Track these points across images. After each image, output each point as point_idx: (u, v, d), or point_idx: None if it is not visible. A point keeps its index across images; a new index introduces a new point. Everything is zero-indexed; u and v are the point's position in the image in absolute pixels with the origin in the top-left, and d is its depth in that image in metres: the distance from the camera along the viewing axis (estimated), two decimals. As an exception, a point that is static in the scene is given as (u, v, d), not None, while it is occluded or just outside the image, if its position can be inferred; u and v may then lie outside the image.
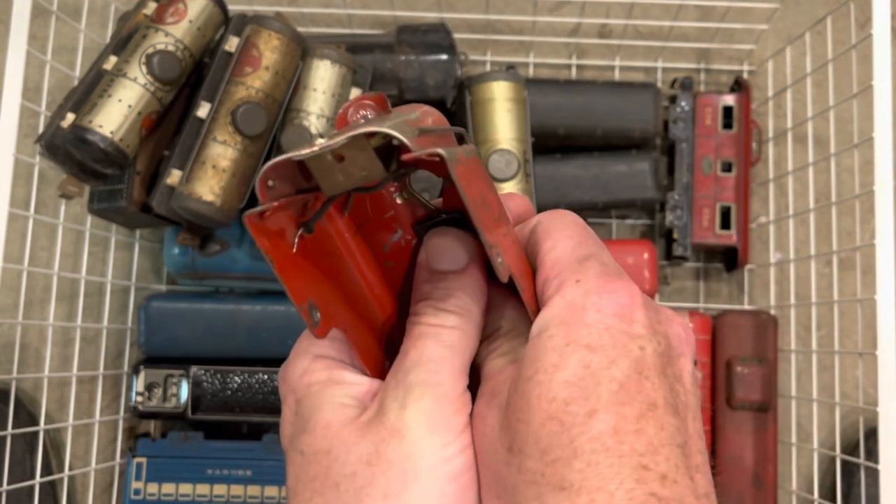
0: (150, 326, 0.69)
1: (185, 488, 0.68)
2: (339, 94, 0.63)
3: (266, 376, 0.68)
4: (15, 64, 0.58)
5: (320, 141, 0.24)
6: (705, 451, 0.25)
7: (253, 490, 0.68)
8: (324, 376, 0.27)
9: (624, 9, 0.78)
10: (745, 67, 0.79)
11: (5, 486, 0.61)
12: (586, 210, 0.73)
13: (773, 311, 0.73)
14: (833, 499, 0.65)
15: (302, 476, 0.26)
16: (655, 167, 0.72)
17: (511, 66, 0.73)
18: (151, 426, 0.74)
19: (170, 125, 0.63)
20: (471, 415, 0.26)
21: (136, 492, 0.68)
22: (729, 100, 0.74)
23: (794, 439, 0.69)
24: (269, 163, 0.24)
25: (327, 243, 0.28)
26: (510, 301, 0.28)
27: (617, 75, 0.80)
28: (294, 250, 0.25)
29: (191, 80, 0.63)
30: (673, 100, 0.75)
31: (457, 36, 0.72)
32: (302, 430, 0.27)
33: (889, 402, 0.54)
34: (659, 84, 0.77)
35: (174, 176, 0.59)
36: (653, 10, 0.78)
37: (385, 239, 0.29)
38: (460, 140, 0.27)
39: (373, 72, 0.67)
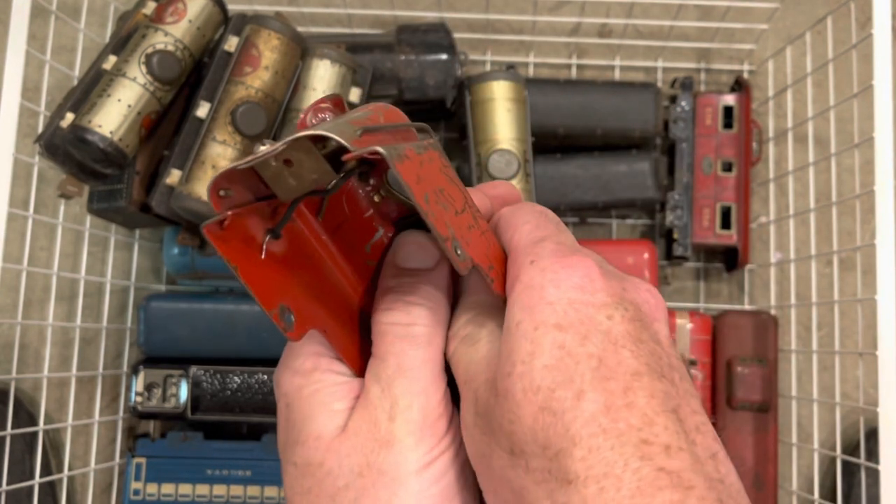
0: (149, 326, 0.69)
1: (185, 488, 0.68)
2: (338, 93, 0.63)
3: (266, 376, 0.68)
4: (14, 64, 0.58)
5: (262, 148, 0.24)
6: (701, 409, 0.24)
7: (252, 490, 0.68)
8: (313, 378, 0.27)
9: (624, 8, 0.77)
10: (746, 67, 0.79)
11: (5, 486, 0.61)
12: (586, 210, 0.73)
13: (773, 312, 0.73)
14: (833, 499, 0.65)
15: (297, 487, 0.27)
16: (655, 167, 0.72)
17: (511, 66, 0.73)
18: (151, 426, 0.74)
19: (169, 125, 0.63)
20: (456, 420, 0.27)
21: (136, 492, 0.68)
22: (729, 99, 0.74)
23: (794, 439, 0.68)
24: (217, 173, 0.24)
25: (303, 246, 0.27)
26: (474, 290, 0.28)
27: (617, 75, 0.80)
28: (262, 256, 0.25)
29: (190, 80, 0.63)
30: (673, 100, 0.75)
31: (457, 36, 0.72)
32: (294, 440, 0.27)
33: (889, 403, 0.54)
34: (659, 84, 0.77)
35: (174, 176, 0.59)
36: (653, 10, 0.78)
37: (366, 238, 0.29)
38: (424, 134, 0.27)
39: (373, 72, 0.67)
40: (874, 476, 0.55)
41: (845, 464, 0.67)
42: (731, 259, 0.75)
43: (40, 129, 0.63)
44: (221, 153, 0.58)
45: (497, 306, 0.27)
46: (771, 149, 0.76)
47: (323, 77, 0.63)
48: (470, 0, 0.80)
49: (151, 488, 0.68)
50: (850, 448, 0.71)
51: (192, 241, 0.64)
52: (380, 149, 0.22)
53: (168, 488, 0.68)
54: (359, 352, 0.28)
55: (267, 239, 0.26)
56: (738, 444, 0.69)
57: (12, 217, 0.57)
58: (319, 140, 0.25)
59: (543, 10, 0.80)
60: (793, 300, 0.72)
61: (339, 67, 0.63)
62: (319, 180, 0.25)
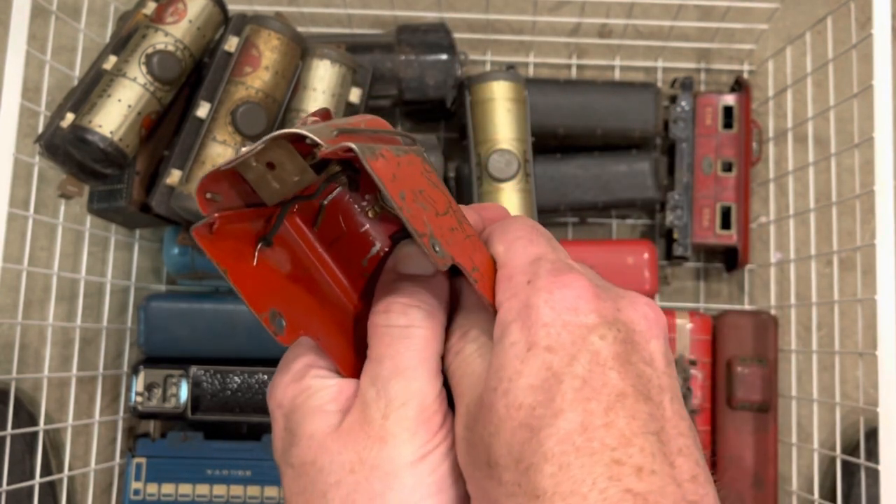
0: (149, 326, 0.69)
1: (185, 488, 0.68)
2: (338, 93, 0.63)
3: (266, 376, 0.68)
4: (14, 64, 0.58)
5: (243, 149, 0.24)
6: (689, 431, 0.24)
7: (252, 490, 0.68)
8: (305, 385, 0.28)
9: (624, 9, 0.77)
10: (746, 67, 0.79)
11: (5, 486, 0.61)
12: (586, 210, 0.73)
13: (773, 312, 0.73)
14: (833, 499, 0.65)
15: (294, 488, 0.27)
16: (655, 167, 0.72)
17: (511, 66, 0.73)
18: (151, 426, 0.74)
19: (169, 125, 0.63)
20: (451, 416, 0.27)
21: (136, 492, 0.68)
22: (729, 100, 0.74)
23: (794, 439, 0.68)
24: (203, 176, 0.24)
25: (298, 257, 0.28)
26: (470, 306, 0.29)
27: (617, 75, 0.80)
28: (255, 263, 0.26)
29: (190, 80, 0.63)
30: (673, 100, 0.75)
31: (457, 36, 0.72)
32: (290, 443, 0.27)
33: (889, 403, 0.54)
34: (659, 84, 0.77)
35: (174, 176, 0.59)
36: (653, 10, 0.78)
37: (363, 252, 0.30)
38: (408, 142, 0.28)
39: (373, 72, 0.67)
40: (874, 476, 0.55)
41: (845, 464, 0.67)
42: (731, 259, 0.75)
43: (40, 129, 0.63)
44: (221, 153, 0.59)
45: (490, 321, 0.27)
46: (771, 149, 0.76)
47: (323, 77, 0.63)
48: (470, 0, 0.80)
49: (151, 488, 0.68)
50: (850, 448, 0.71)
51: (192, 242, 0.64)
52: (352, 144, 0.23)
53: (168, 488, 0.68)
54: (353, 358, 0.28)
55: (259, 246, 0.26)
56: (738, 444, 0.69)
57: (12, 217, 0.57)
58: (303, 146, 0.25)
59: (543, 11, 0.80)
60: (793, 300, 0.72)
61: (339, 67, 0.63)
62: (301, 182, 0.26)
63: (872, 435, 0.63)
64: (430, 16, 0.78)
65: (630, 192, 0.72)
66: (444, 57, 0.70)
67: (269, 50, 0.61)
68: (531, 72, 0.80)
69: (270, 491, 0.68)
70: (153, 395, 0.68)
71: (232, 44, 0.62)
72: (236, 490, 0.68)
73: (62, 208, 0.66)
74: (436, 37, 0.71)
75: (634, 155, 0.72)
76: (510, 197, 0.64)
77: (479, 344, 0.27)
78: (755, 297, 0.76)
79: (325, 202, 0.29)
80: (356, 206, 0.29)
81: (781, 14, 0.77)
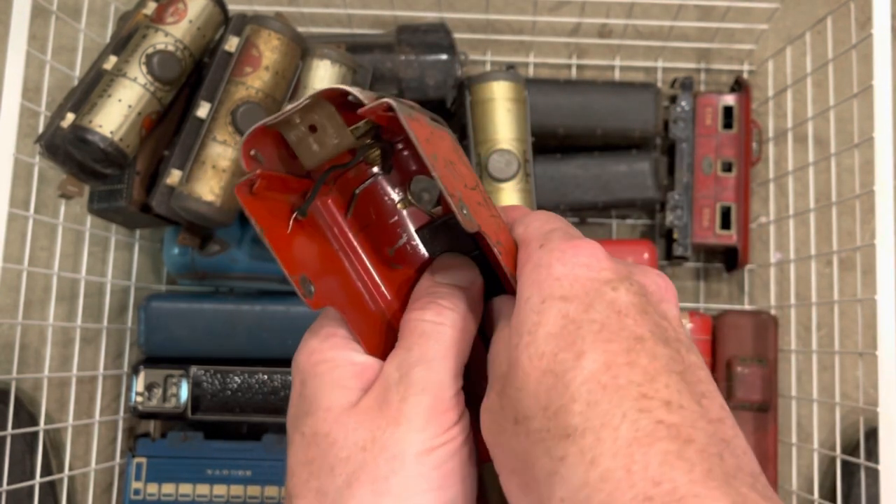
0: (149, 326, 0.69)
1: (185, 488, 0.68)
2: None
3: (266, 376, 0.68)
4: (15, 64, 0.58)
5: (288, 106, 0.25)
6: (709, 380, 0.24)
7: (253, 490, 0.68)
8: (329, 356, 0.28)
9: (624, 9, 0.77)
10: (746, 67, 0.79)
11: (5, 486, 0.61)
12: (586, 210, 0.73)
13: (773, 312, 0.73)
14: (833, 499, 0.65)
15: (300, 456, 0.27)
16: (655, 167, 0.72)
17: (511, 66, 0.73)
18: (151, 426, 0.74)
19: (170, 125, 0.63)
20: (466, 419, 0.28)
21: (136, 492, 0.68)
22: (729, 100, 0.74)
23: (794, 439, 0.68)
24: (247, 131, 0.25)
25: (329, 238, 0.29)
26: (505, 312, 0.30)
27: (617, 75, 0.80)
28: (289, 231, 0.27)
29: (191, 80, 0.63)
30: (673, 100, 0.75)
31: (457, 36, 0.72)
32: (305, 412, 0.28)
33: (889, 403, 0.54)
34: (659, 84, 0.77)
35: (174, 176, 0.59)
36: (653, 10, 0.78)
37: (390, 242, 0.31)
38: (440, 124, 0.29)
39: (373, 72, 0.67)
40: (874, 476, 0.55)
41: (845, 464, 0.67)
42: (730, 259, 0.75)
43: (41, 129, 0.63)
44: (222, 153, 0.59)
45: None
46: (771, 149, 0.76)
47: (323, 77, 0.63)
48: (470, 0, 0.80)
49: (152, 488, 0.68)
50: (850, 448, 0.71)
51: (192, 241, 0.64)
52: (391, 101, 0.23)
53: (168, 488, 0.68)
54: (377, 342, 0.29)
55: (294, 215, 0.27)
56: (738, 443, 0.69)
57: (13, 217, 0.57)
58: (344, 113, 0.26)
59: (543, 11, 0.80)
60: (793, 300, 0.72)
61: (339, 67, 0.63)
62: (340, 146, 0.27)
63: (872, 435, 0.63)
64: (430, 16, 0.78)
65: (630, 192, 0.72)
66: (444, 57, 0.70)
67: (269, 50, 0.61)
68: (531, 72, 0.80)
69: (271, 491, 0.68)
70: (153, 395, 0.68)
71: (232, 44, 0.62)
72: (236, 490, 0.68)
73: (62, 208, 0.66)
74: (436, 37, 0.71)
75: (634, 155, 0.72)
76: (510, 197, 0.64)
77: (507, 317, 0.28)
78: (755, 297, 0.76)
79: (358, 191, 0.30)
80: (386, 199, 0.30)
81: (781, 14, 0.77)
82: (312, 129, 0.26)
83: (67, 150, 0.58)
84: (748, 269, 0.76)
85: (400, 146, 0.30)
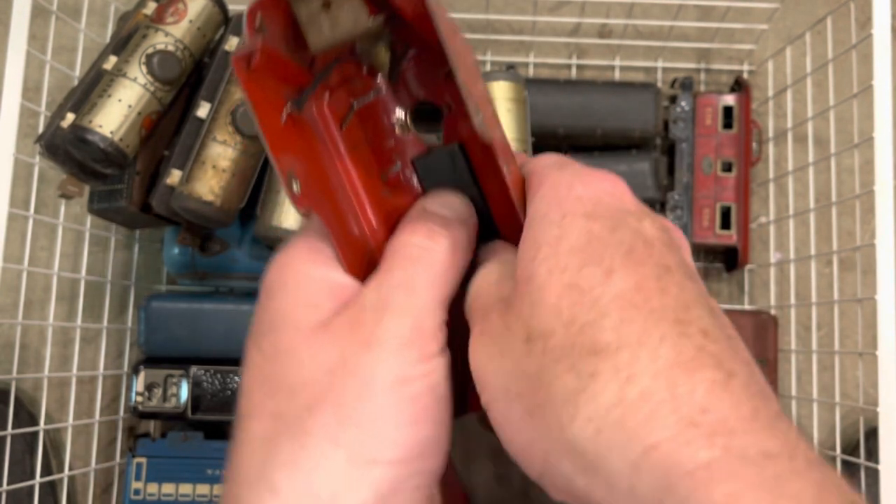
0: (150, 326, 0.69)
1: (185, 488, 0.68)
2: None
3: (266, 376, 0.68)
4: (15, 64, 0.58)
5: None
6: (733, 327, 0.22)
7: (253, 490, 0.68)
8: (303, 270, 0.26)
9: (624, 9, 0.77)
10: (746, 67, 0.79)
11: (5, 486, 0.61)
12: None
13: (773, 312, 0.73)
14: (833, 499, 0.65)
15: (258, 375, 0.25)
16: (655, 167, 0.72)
17: (511, 66, 0.73)
18: (151, 426, 0.74)
19: (170, 125, 0.63)
20: (446, 357, 0.25)
21: (136, 492, 0.68)
22: (729, 100, 0.74)
23: (794, 439, 0.68)
24: None
25: (320, 147, 0.27)
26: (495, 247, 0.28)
27: (617, 75, 0.80)
28: (282, 121, 0.25)
29: (191, 80, 0.63)
30: (673, 100, 0.75)
31: (457, 36, 0.72)
32: (269, 328, 0.25)
33: (889, 402, 0.54)
34: (659, 84, 0.77)
35: (174, 176, 0.59)
36: (653, 10, 0.78)
37: (383, 167, 0.29)
38: None
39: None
40: (874, 476, 0.55)
41: (845, 463, 0.67)
42: (730, 259, 0.75)
43: (41, 129, 0.63)
44: (222, 153, 0.59)
45: (511, 259, 0.26)
46: (771, 149, 0.76)
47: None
48: (470, 0, 0.80)
49: (152, 488, 0.68)
50: (850, 448, 0.71)
51: (192, 242, 0.64)
52: None
53: (168, 488, 0.68)
54: (359, 267, 0.27)
55: (289, 105, 0.25)
56: (738, 443, 0.69)
57: (13, 217, 0.57)
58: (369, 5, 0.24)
59: (543, 11, 0.80)
60: (792, 300, 0.72)
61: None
62: (354, 29, 0.25)
63: (872, 434, 0.63)
64: (430, 16, 0.78)
65: (630, 192, 0.72)
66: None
67: (269, 50, 0.61)
68: (531, 72, 0.80)
69: (270, 491, 0.68)
70: (153, 395, 0.68)
71: (232, 44, 0.62)
72: (236, 490, 0.68)
73: (62, 208, 0.66)
74: (436, 37, 0.71)
75: (634, 155, 0.72)
76: (510, 197, 0.64)
77: (500, 261, 0.26)
78: (755, 297, 0.76)
79: (357, 105, 0.28)
80: (386, 119, 0.29)
81: (781, 14, 0.77)
82: (327, 5, 0.24)
83: (67, 150, 0.58)
84: (748, 269, 0.76)
85: (411, 56, 0.28)
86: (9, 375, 0.68)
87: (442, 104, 0.28)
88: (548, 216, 0.23)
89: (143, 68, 0.58)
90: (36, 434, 0.66)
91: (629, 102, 0.72)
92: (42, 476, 0.64)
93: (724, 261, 0.77)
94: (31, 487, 0.62)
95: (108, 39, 0.66)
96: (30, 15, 0.58)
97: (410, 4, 0.24)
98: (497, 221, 0.29)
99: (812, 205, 0.69)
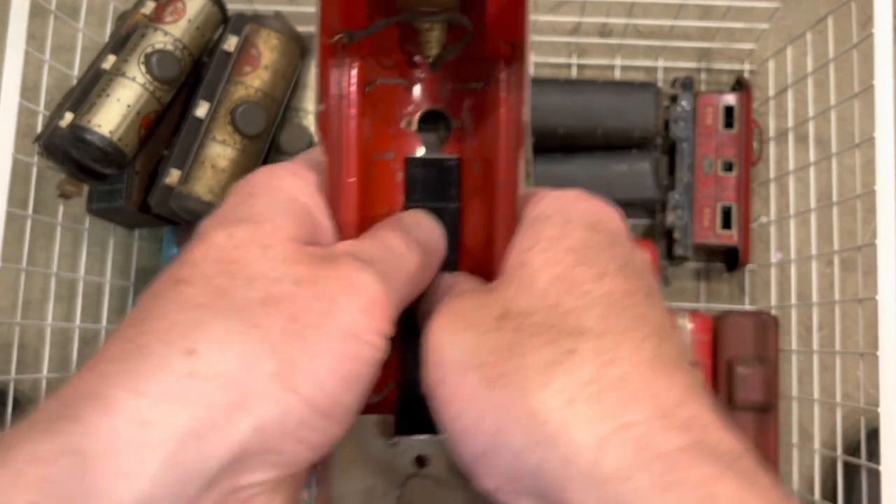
0: (149, 327, 0.68)
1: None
2: (338, 93, 0.63)
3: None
4: (13, 63, 0.57)
5: None
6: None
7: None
8: (292, 186, 0.25)
9: (624, 8, 0.77)
10: (746, 67, 0.79)
11: (3, 487, 0.61)
12: (587, 210, 0.72)
13: (774, 312, 0.73)
14: (834, 499, 0.65)
15: (215, 254, 0.23)
16: (656, 167, 0.72)
17: (511, 66, 0.72)
18: (150, 427, 0.73)
19: (169, 125, 0.63)
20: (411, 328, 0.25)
21: (135, 493, 0.68)
22: (730, 99, 0.74)
23: (795, 440, 0.68)
24: None
25: (343, 86, 0.28)
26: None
27: (617, 75, 0.79)
28: (331, 42, 0.26)
29: (190, 80, 0.63)
30: (673, 99, 0.75)
31: (457, 35, 0.72)
32: (246, 218, 0.24)
33: (890, 403, 0.54)
34: (659, 84, 0.77)
35: (173, 176, 0.59)
36: (653, 10, 0.77)
37: (379, 147, 0.29)
38: None
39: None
40: (875, 476, 0.55)
41: (846, 464, 0.66)
42: (731, 259, 0.75)
43: (39, 128, 0.63)
44: (221, 153, 0.58)
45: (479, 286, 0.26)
46: (772, 148, 0.76)
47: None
48: None
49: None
50: (851, 448, 0.71)
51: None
52: None
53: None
54: (335, 209, 0.27)
55: (340, 37, 0.26)
56: (739, 444, 0.69)
57: (11, 217, 0.57)
58: None
59: (543, 10, 0.80)
60: (793, 300, 0.72)
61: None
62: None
63: (874, 435, 0.63)
64: (430, 15, 0.78)
65: (630, 192, 0.72)
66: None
67: (268, 49, 0.61)
68: (531, 71, 0.80)
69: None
70: (152, 396, 0.68)
71: (231, 43, 0.61)
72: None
73: (61, 208, 0.66)
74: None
75: (635, 155, 0.72)
76: (510, 197, 0.64)
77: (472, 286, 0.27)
78: (756, 297, 0.76)
79: (380, 82, 0.29)
80: (397, 109, 0.30)
81: (782, 13, 0.77)
82: None
83: (66, 150, 0.58)
84: (749, 270, 0.76)
85: (460, 50, 0.29)
86: (7, 376, 0.68)
87: (456, 117, 0.29)
88: (552, 218, 0.24)
89: (142, 68, 0.58)
90: (34, 435, 0.66)
91: (629, 102, 0.72)
92: (41, 477, 0.64)
93: (724, 261, 0.77)
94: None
95: (106, 39, 0.66)
96: (28, 14, 0.58)
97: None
98: (462, 244, 0.29)
99: (813, 205, 0.69)
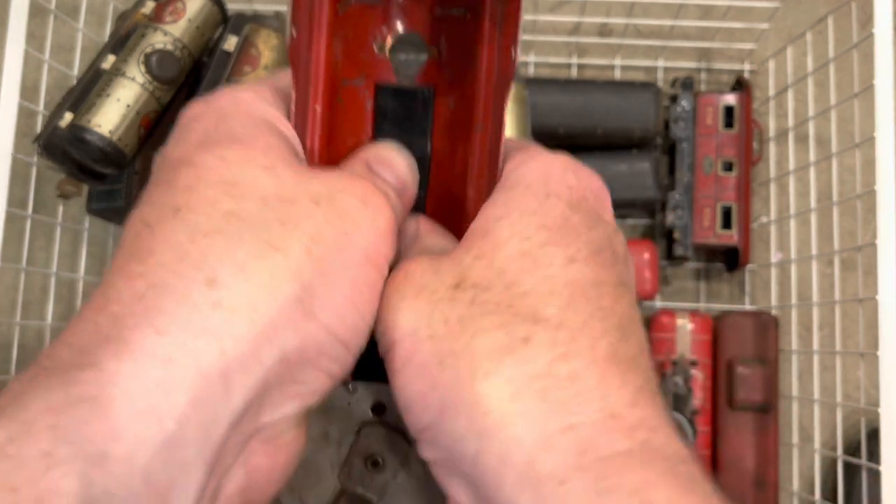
0: (148, 327, 0.68)
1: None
2: None
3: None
4: (13, 63, 0.57)
5: None
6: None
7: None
8: (259, 107, 0.24)
9: (624, 8, 0.77)
10: (746, 67, 0.79)
11: (3, 488, 0.61)
12: (587, 210, 0.72)
13: (774, 312, 0.73)
14: (835, 500, 0.65)
15: (212, 178, 0.21)
16: (656, 167, 0.72)
17: (511, 66, 0.72)
18: (150, 427, 0.73)
19: (168, 125, 0.63)
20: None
21: (135, 493, 0.68)
22: (730, 99, 0.74)
23: (795, 440, 0.68)
24: None
25: (315, 8, 0.26)
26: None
27: (618, 75, 0.79)
28: None
29: (189, 80, 0.63)
30: (674, 99, 0.75)
31: (457, 35, 0.72)
32: (224, 140, 0.22)
33: (891, 403, 0.54)
34: (660, 83, 0.77)
35: (173, 176, 0.59)
36: (653, 9, 0.77)
37: (349, 72, 0.27)
38: None
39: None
40: (875, 477, 0.55)
41: (846, 464, 0.66)
42: (731, 259, 0.75)
43: (39, 128, 0.63)
44: (220, 153, 0.58)
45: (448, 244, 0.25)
46: (772, 148, 0.76)
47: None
48: (470, -1, 0.80)
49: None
50: (852, 448, 0.71)
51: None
52: None
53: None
54: (312, 141, 0.26)
55: None
56: (739, 444, 0.69)
57: (11, 217, 0.57)
58: None
59: (544, 10, 0.80)
60: (794, 300, 0.72)
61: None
62: None
63: (874, 435, 0.63)
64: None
65: (630, 191, 0.72)
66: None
67: (268, 49, 0.61)
68: (531, 71, 0.80)
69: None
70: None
71: (231, 43, 0.61)
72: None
73: (61, 208, 0.66)
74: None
75: (635, 155, 0.72)
76: (510, 197, 0.64)
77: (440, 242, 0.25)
78: (756, 297, 0.76)
79: (354, 1, 0.26)
80: (370, 32, 0.27)
81: (782, 13, 0.77)
82: None
83: (66, 150, 0.57)
84: (749, 270, 0.76)
85: None
86: (7, 376, 0.68)
87: (434, 44, 0.27)
88: (531, 188, 0.23)
89: (142, 67, 0.58)
90: (34, 435, 0.66)
91: (630, 102, 0.72)
92: (40, 477, 0.64)
93: (724, 261, 0.77)
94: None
95: (106, 38, 0.66)
96: (28, 14, 0.58)
97: None
98: (431, 185, 0.27)
99: (813, 204, 0.69)
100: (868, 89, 0.59)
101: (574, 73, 0.80)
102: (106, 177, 0.61)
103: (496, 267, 0.21)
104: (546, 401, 0.19)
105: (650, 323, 0.71)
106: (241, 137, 0.22)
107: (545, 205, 0.22)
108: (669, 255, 0.74)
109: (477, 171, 0.25)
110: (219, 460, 0.19)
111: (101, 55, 0.61)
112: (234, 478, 0.20)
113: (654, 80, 0.78)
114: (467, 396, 0.20)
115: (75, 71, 0.68)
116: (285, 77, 0.25)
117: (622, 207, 0.73)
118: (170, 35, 0.59)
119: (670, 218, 0.72)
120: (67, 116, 0.58)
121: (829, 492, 0.70)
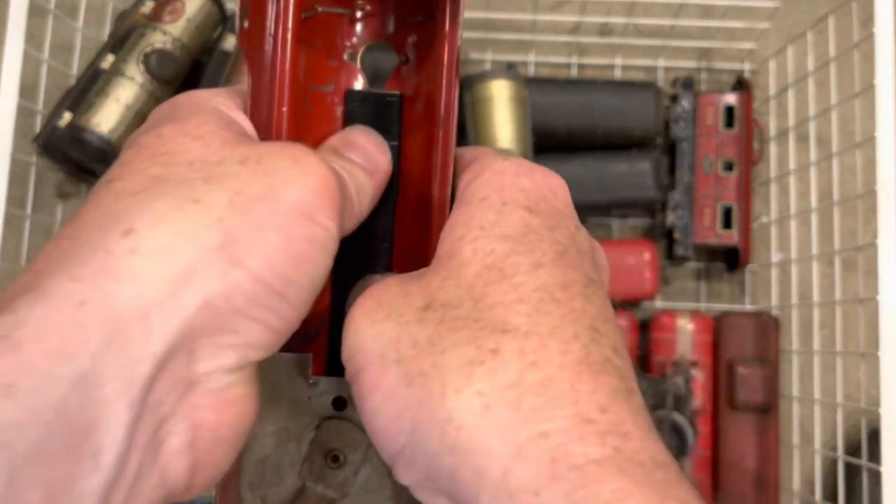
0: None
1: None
2: None
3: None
4: (12, 62, 0.57)
5: None
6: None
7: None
8: (215, 104, 0.25)
9: (625, 7, 0.77)
10: (747, 66, 0.79)
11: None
12: (587, 210, 0.72)
13: (774, 312, 0.73)
14: (835, 500, 0.65)
15: (147, 151, 0.22)
16: (656, 166, 0.72)
17: (511, 65, 0.72)
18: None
19: (168, 124, 0.63)
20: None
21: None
22: (730, 99, 0.74)
23: (796, 440, 0.68)
24: None
25: (276, 8, 0.26)
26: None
27: (618, 74, 0.79)
28: None
29: (189, 79, 0.63)
30: (674, 99, 0.75)
31: (456, 35, 0.72)
32: (164, 122, 0.24)
33: (891, 403, 0.54)
34: (660, 83, 0.77)
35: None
36: (654, 9, 0.77)
37: (317, 78, 0.28)
38: None
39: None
40: (876, 477, 0.55)
41: (847, 465, 0.66)
42: (732, 259, 0.75)
43: (38, 128, 0.63)
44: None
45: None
46: (772, 148, 0.76)
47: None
48: (470, -1, 0.80)
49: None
50: (852, 449, 0.71)
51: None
52: None
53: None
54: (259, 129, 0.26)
55: None
56: (740, 445, 0.69)
57: (10, 217, 0.57)
58: None
59: (544, 9, 0.80)
60: (794, 300, 0.72)
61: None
62: None
63: (874, 436, 0.63)
64: (430, 15, 0.77)
65: (630, 191, 0.72)
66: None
67: (267, 49, 0.61)
68: (532, 71, 0.80)
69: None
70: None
71: (230, 42, 0.61)
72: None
73: (60, 208, 0.66)
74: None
75: (635, 154, 0.72)
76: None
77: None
78: (756, 297, 0.76)
79: (321, 10, 0.27)
80: (339, 40, 0.28)
81: (782, 13, 0.77)
82: None
83: (65, 150, 0.57)
84: (749, 270, 0.76)
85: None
86: (6, 376, 0.68)
87: (401, 51, 0.28)
88: (487, 199, 0.23)
89: (141, 67, 0.58)
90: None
91: (630, 101, 0.72)
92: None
93: (725, 261, 0.77)
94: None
95: (105, 38, 0.66)
96: (27, 13, 0.58)
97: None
98: (402, 185, 0.28)
99: (814, 204, 0.69)
100: (869, 89, 0.59)
101: (574, 72, 0.80)
102: (105, 176, 0.61)
103: (464, 284, 0.21)
104: (519, 410, 0.19)
105: (650, 323, 0.71)
106: (179, 118, 0.23)
107: (503, 214, 0.22)
108: (670, 255, 0.74)
109: (441, 167, 0.26)
110: (149, 405, 0.20)
111: (100, 55, 0.61)
112: (177, 431, 0.20)
113: (655, 80, 0.78)
114: (439, 413, 0.19)
115: (74, 70, 0.68)
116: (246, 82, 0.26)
117: (622, 207, 0.73)
118: (169, 34, 0.59)
119: (670, 218, 0.72)
120: (67, 116, 0.58)
121: (830, 492, 0.70)
